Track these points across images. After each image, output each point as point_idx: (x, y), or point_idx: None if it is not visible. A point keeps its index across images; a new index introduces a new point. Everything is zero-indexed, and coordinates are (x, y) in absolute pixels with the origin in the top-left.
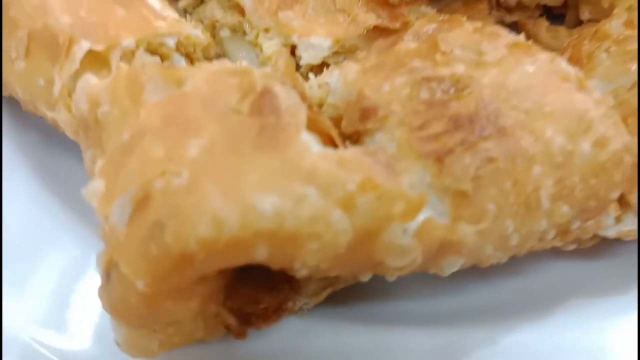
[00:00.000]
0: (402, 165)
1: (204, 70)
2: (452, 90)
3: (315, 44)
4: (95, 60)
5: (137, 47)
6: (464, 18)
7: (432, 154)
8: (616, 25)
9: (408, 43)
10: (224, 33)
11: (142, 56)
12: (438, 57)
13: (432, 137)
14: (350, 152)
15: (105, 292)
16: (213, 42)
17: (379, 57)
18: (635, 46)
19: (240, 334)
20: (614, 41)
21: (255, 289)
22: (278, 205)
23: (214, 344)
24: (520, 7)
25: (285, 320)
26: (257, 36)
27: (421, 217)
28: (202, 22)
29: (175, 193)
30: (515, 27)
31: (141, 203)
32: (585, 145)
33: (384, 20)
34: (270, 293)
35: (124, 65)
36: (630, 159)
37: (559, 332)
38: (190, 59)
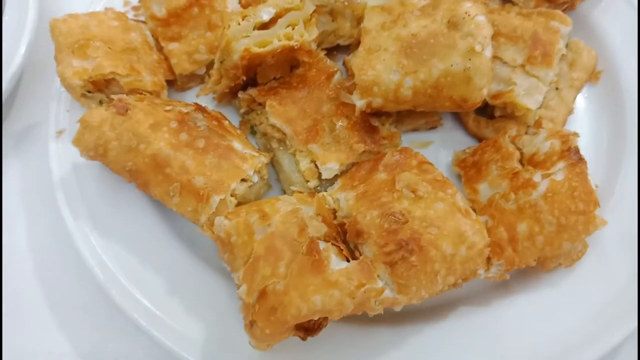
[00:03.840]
0: (375, 266)
1: (279, 214)
2: (400, 221)
3: (330, 167)
4: (221, 203)
5: (237, 185)
6: (413, 152)
7: (388, 263)
8: (507, 141)
9: (381, 174)
10: (274, 144)
11: (239, 188)
12: (395, 195)
13: (387, 253)
14: (352, 266)
15: (249, 331)
16: (270, 158)
17: (365, 186)
18: (513, 164)
19: (305, 339)
20: (502, 157)
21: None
22: (323, 300)
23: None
24: None
25: None
26: (295, 152)
27: (383, 295)
28: (256, 126)
29: (279, 293)
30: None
31: (263, 296)
32: (462, 250)
33: (367, 146)
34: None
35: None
36: (486, 250)
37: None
38: (260, 174)
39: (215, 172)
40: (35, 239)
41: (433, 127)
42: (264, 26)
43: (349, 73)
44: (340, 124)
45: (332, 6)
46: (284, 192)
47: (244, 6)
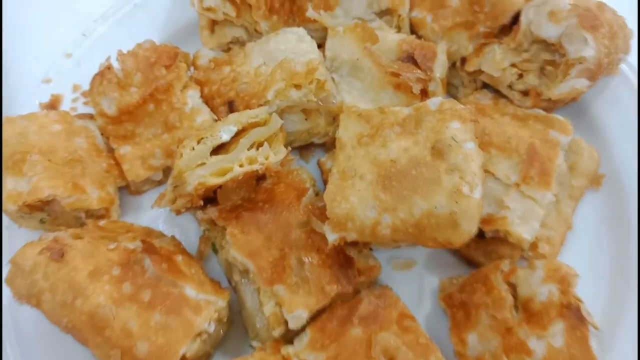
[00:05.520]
0: None
1: None
2: None
3: (297, 316)
4: None
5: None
6: (394, 297)
7: None
8: (499, 280)
9: (356, 329)
10: (236, 276)
11: (190, 348)
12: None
13: None
14: None
15: None
16: (228, 297)
17: (338, 347)
18: (506, 314)
19: None
20: (493, 301)
21: None
22: None
23: None
24: None
25: None
26: (259, 290)
27: None
28: (218, 247)
29: None
30: None
31: None
32: None
33: (342, 287)
34: None
35: None
36: None
37: None
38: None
39: (162, 334)
40: None
41: None
42: (224, 145)
43: (324, 176)
44: (310, 260)
45: (303, 106)
46: (246, 330)
47: (207, 100)
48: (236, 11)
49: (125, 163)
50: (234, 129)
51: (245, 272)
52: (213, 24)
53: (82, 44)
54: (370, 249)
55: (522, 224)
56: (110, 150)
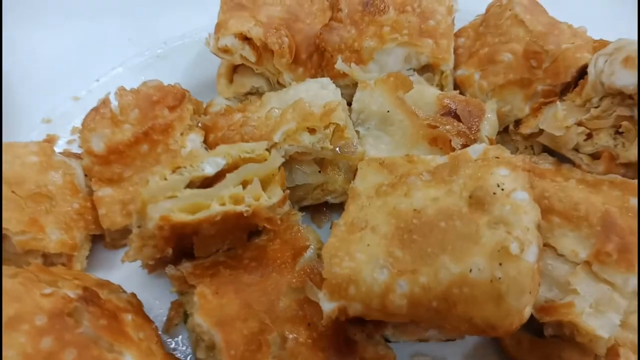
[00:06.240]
0: None
1: None
2: None
3: None
4: None
5: None
6: None
7: None
8: None
9: None
10: (200, 354)
11: None
12: None
13: None
14: None
15: None
16: None
17: None
18: None
19: None
20: None
21: None
22: None
23: None
24: None
25: None
26: None
27: None
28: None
29: None
30: None
31: None
32: None
33: None
34: None
35: None
36: None
37: None
38: None
39: None
40: None
41: (451, 339)
42: (208, 183)
43: None
44: (296, 337)
45: (317, 154)
46: None
47: (210, 147)
48: (256, 56)
49: (102, 207)
50: (222, 163)
51: (211, 348)
52: (232, 73)
53: (94, 88)
54: (387, 340)
55: (596, 316)
56: (90, 193)
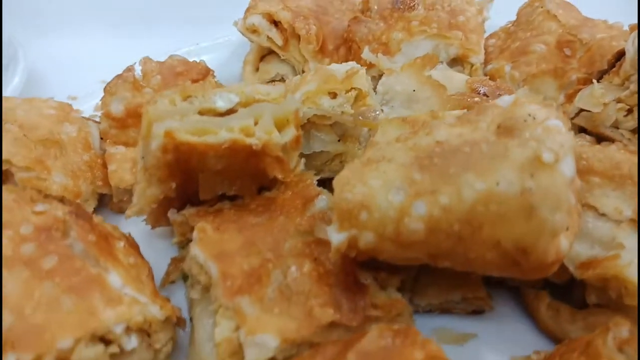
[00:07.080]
0: None
1: None
2: None
3: (260, 343)
4: None
5: (76, 344)
6: (420, 337)
7: None
8: (609, 346)
9: None
10: (194, 295)
11: (81, 351)
12: None
13: None
14: None
15: None
16: (173, 313)
17: None
18: None
19: None
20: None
21: None
22: None
23: None
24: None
25: None
26: (218, 308)
27: None
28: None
29: None
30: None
31: None
32: None
33: (342, 316)
34: None
35: None
36: None
37: None
38: (147, 333)
39: (45, 312)
40: None
41: (477, 311)
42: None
43: None
44: (299, 269)
45: (337, 119)
46: None
47: None
48: (283, 40)
49: (112, 163)
50: (235, 99)
51: (206, 289)
52: (258, 61)
53: None
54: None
55: None
56: (102, 154)
